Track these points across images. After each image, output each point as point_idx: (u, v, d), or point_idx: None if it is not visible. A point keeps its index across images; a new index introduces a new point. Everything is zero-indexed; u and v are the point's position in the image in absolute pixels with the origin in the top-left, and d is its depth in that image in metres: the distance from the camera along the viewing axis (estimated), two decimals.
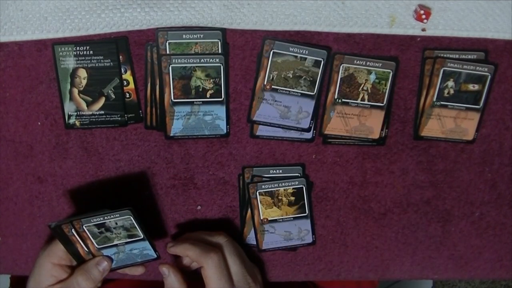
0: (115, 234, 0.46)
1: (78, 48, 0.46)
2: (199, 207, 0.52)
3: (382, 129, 0.50)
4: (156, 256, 0.50)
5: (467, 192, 0.53)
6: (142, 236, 0.47)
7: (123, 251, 0.48)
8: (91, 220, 0.44)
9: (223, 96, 0.48)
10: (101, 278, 0.47)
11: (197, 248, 0.47)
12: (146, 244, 0.48)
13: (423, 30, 0.47)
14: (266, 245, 0.53)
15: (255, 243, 0.53)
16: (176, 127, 0.48)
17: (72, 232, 0.45)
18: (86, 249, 0.47)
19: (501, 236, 0.55)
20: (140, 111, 0.48)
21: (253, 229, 0.52)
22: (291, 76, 0.47)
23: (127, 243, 0.47)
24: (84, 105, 0.48)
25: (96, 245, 0.46)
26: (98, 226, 0.45)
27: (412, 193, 0.52)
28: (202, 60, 0.46)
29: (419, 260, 0.55)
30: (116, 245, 0.47)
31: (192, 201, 0.52)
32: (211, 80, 0.47)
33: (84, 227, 0.45)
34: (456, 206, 0.53)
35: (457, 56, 0.48)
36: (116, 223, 0.45)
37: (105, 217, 0.45)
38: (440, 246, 0.54)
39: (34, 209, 0.51)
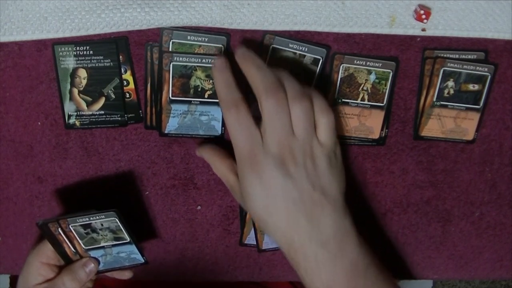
0: (101, 235, 0.45)
1: (78, 48, 0.46)
2: (199, 207, 0.52)
3: (382, 129, 0.50)
4: (143, 261, 0.50)
5: (467, 192, 0.53)
6: (128, 240, 0.47)
7: (111, 254, 0.48)
8: (77, 220, 0.44)
9: None
10: (87, 279, 0.47)
11: (262, 80, 0.40)
12: (133, 248, 0.48)
13: (423, 30, 0.47)
14: (266, 245, 0.53)
15: (255, 243, 0.53)
16: (171, 125, 0.48)
17: (59, 231, 0.45)
18: (73, 249, 0.47)
19: (501, 236, 0.55)
20: (140, 111, 0.48)
21: (253, 229, 0.52)
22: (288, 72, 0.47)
23: (114, 245, 0.47)
24: (84, 105, 0.48)
25: (83, 246, 0.46)
26: (84, 226, 0.45)
27: (412, 193, 0.52)
28: (203, 60, 0.46)
29: (419, 260, 0.55)
30: (103, 247, 0.47)
31: (192, 201, 0.52)
32: (211, 81, 0.47)
33: (70, 227, 0.45)
34: (456, 206, 0.53)
35: (457, 56, 0.48)
36: (102, 225, 0.45)
37: (91, 218, 0.44)
38: (440, 246, 0.54)
39: (34, 209, 0.51)
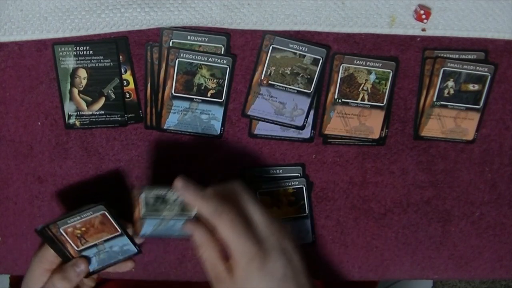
0: (168, 206, 0.45)
1: (78, 48, 0.46)
2: None
3: (382, 129, 0.50)
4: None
5: (467, 192, 0.53)
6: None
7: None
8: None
9: (223, 98, 0.48)
10: (78, 279, 0.47)
11: (209, 206, 0.42)
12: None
13: (423, 30, 0.47)
14: None
15: None
16: (171, 121, 0.48)
17: (54, 235, 0.45)
18: (76, 247, 0.47)
19: (501, 236, 0.55)
20: (140, 111, 0.48)
21: None
22: (288, 72, 0.47)
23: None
24: (84, 105, 0.48)
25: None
26: (156, 199, 0.44)
27: (412, 193, 0.52)
28: (209, 59, 0.46)
29: (419, 260, 0.55)
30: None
31: None
32: (215, 80, 0.47)
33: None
34: (456, 206, 0.53)
35: (457, 56, 0.48)
36: (176, 199, 0.44)
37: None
38: (440, 246, 0.54)
39: (34, 209, 0.51)
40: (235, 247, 0.41)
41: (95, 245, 0.47)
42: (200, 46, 0.46)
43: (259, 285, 0.41)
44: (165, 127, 0.48)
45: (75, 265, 0.47)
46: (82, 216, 0.45)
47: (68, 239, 0.46)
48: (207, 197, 0.43)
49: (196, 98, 0.48)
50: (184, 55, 0.46)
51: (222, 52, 0.46)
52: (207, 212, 0.42)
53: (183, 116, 0.48)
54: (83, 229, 0.46)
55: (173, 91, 0.47)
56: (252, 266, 0.41)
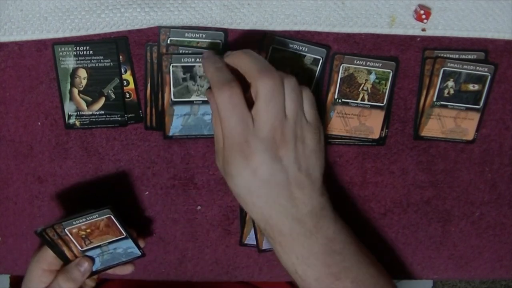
0: (197, 86, 0.42)
1: (78, 48, 0.46)
2: (199, 207, 0.52)
3: (382, 129, 0.50)
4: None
5: (467, 192, 0.53)
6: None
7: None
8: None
9: None
10: (82, 278, 0.47)
11: (255, 63, 0.39)
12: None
13: (423, 30, 0.47)
14: (266, 245, 0.53)
15: (255, 243, 0.53)
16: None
17: (59, 235, 0.45)
18: (74, 251, 0.47)
19: (501, 236, 0.55)
20: (140, 111, 0.48)
21: (253, 229, 0.52)
22: (288, 72, 0.47)
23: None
24: (84, 105, 0.48)
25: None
26: (185, 70, 0.41)
27: (412, 193, 0.52)
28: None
29: (419, 260, 0.55)
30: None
31: (192, 201, 0.52)
32: None
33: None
34: (456, 206, 0.53)
35: (457, 56, 0.48)
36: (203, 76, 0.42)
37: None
38: (440, 246, 0.54)
39: (34, 209, 0.51)
40: (264, 112, 0.38)
41: (99, 246, 0.47)
42: (198, 42, 0.46)
43: (242, 177, 0.39)
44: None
45: (79, 265, 0.47)
46: (87, 218, 0.45)
47: (73, 239, 0.46)
48: (256, 58, 0.40)
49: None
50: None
51: (221, 48, 0.46)
52: (250, 67, 0.39)
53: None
54: (88, 230, 0.46)
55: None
56: (235, 152, 0.38)
